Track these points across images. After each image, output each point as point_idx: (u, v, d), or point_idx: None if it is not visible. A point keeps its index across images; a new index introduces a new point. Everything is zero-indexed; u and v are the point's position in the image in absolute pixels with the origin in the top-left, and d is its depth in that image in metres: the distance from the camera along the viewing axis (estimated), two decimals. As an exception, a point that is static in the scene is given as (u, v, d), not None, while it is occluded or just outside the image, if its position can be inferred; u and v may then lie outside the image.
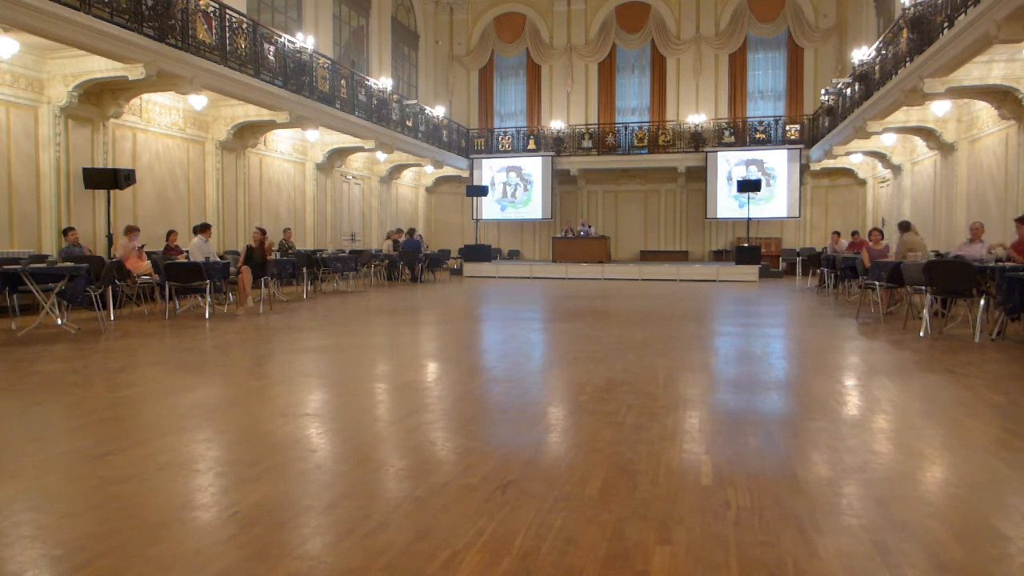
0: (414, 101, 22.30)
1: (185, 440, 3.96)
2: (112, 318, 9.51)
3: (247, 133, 15.59)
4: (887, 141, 17.77)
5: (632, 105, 26.22)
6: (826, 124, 20.58)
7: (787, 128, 23.76)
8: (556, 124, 25.41)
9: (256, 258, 11.15)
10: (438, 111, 23.65)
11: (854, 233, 16.45)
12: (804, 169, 23.40)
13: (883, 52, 14.68)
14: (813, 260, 17.51)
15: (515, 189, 25.82)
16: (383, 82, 19.91)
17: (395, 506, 2.96)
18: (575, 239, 22.40)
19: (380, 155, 21.08)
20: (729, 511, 2.89)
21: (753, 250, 19.88)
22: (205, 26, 12.41)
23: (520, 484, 3.20)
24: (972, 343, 7.52)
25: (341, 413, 4.76)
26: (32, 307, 9.12)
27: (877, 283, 9.86)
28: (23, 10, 8.86)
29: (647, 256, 25.18)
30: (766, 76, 25.10)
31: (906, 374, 6.01)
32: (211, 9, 12.54)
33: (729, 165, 23.81)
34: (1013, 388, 5.30)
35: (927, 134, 15.47)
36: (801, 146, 23.18)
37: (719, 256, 24.65)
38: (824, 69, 23.79)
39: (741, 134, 24.13)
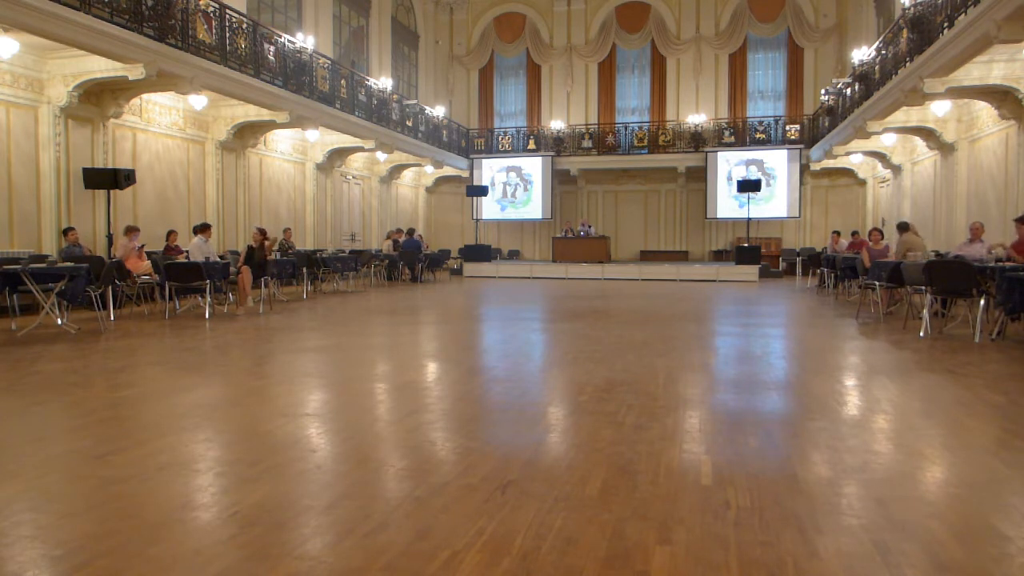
0: (414, 101, 22.30)
1: (185, 440, 3.96)
2: (112, 318, 9.51)
3: (247, 133, 15.59)
4: (887, 141, 17.77)
5: (632, 105, 26.22)
6: (826, 124, 20.58)
7: (787, 128, 23.76)
8: (556, 124, 25.41)
9: (256, 258, 11.15)
10: (438, 111, 23.65)
11: (854, 233, 16.45)
12: (804, 169, 23.40)
13: (883, 52, 14.68)
14: (813, 260, 17.51)
15: (515, 189, 25.82)
16: (383, 82, 19.91)
17: (395, 506, 2.96)
18: (575, 239, 22.40)
19: (380, 155, 21.08)
20: (729, 511, 2.89)
21: (753, 250, 19.88)
22: (205, 26, 12.41)
23: (520, 484, 3.20)
24: (972, 343, 7.52)
25: (341, 413, 4.76)
26: (32, 307, 9.12)
27: (877, 283, 9.86)
28: (23, 10, 8.86)
29: (647, 256, 25.18)
30: (766, 76, 25.09)
31: (906, 374, 6.01)
32: (211, 9, 12.54)
33: (729, 165, 23.81)
34: (1013, 388, 5.30)
35: (927, 134, 15.47)
36: (801, 146, 23.18)
37: (719, 256, 24.65)
38: (824, 69, 23.80)
39: (741, 134, 24.13)
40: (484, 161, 25.90)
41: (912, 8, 12.41)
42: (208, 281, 9.73)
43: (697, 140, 24.07)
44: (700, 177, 24.29)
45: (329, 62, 17.01)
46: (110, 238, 11.50)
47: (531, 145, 25.68)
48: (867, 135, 16.20)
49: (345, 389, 5.50)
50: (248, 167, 16.18)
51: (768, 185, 23.05)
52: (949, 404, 4.88)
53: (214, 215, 14.73)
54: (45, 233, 11.08)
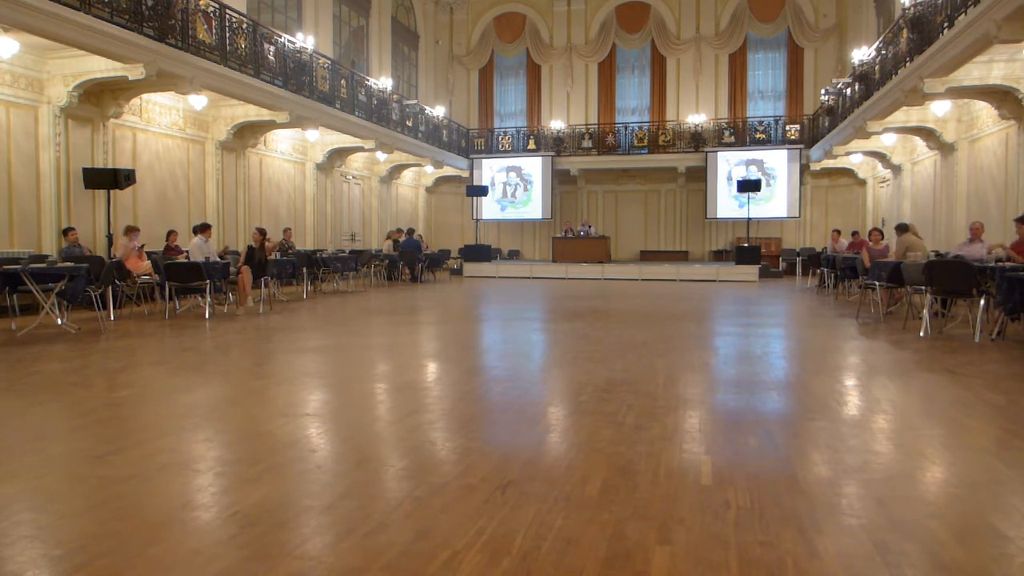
0: (414, 101, 22.31)
1: (185, 440, 3.96)
2: (112, 318, 9.51)
3: (247, 133, 15.59)
4: (887, 141, 17.77)
5: (632, 105, 26.22)
6: (826, 124, 20.58)
7: (787, 128, 23.76)
8: (556, 124, 25.41)
9: (256, 258, 11.15)
10: (438, 111, 23.65)
11: (854, 233, 16.45)
12: (804, 169, 23.40)
13: (883, 52, 14.68)
14: (813, 260, 17.51)
15: (515, 189, 25.82)
16: (383, 82, 19.91)
17: (395, 506, 2.96)
18: (575, 239, 22.40)
19: (380, 155, 21.08)
20: (729, 511, 2.88)
21: (753, 250, 19.88)
22: (205, 26, 12.41)
23: (520, 484, 3.20)
24: (972, 343, 7.52)
25: (341, 413, 4.76)
26: (32, 307, 9.11)
27: (877, 283, 9.86)
28: (23, 10, 8.86)
29: (647, 256, 25.18)
30: (766, 76, 25.09)
31: (906, 374, 6.01)
32: (211, 9, 12.54)
33: (729, 165, 23.81)
34: (1013, 388, 5.30)
35: (927, 134, 15.47)
36: (801, 146, 23.18)
37: (719, 256, 24.65)
38: (824, 69, 23.80)
39: (741, 134, 24.13)
40: (484, 161, 25.90)
41: (912, 8, 12.41)
42: (208, 281, 9.73)
43: (697, 140, 24.07)
44: (700, 177, 24.29)
45: (329, 62, 17.01)
46: (110, 238, 11.50)
47: (531, 145, 25.68)
48: (867, 135, 16.20)
49: (345, 389, 5.50)
50: (248, 167, 16.18)
51: (768, 185, 23.05)
52: (949, 404, 4.88)
53: (214, 215, 14.73)
54: (45, 233, 11.08)
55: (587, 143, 25.17)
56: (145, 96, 12.73)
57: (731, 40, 24.73)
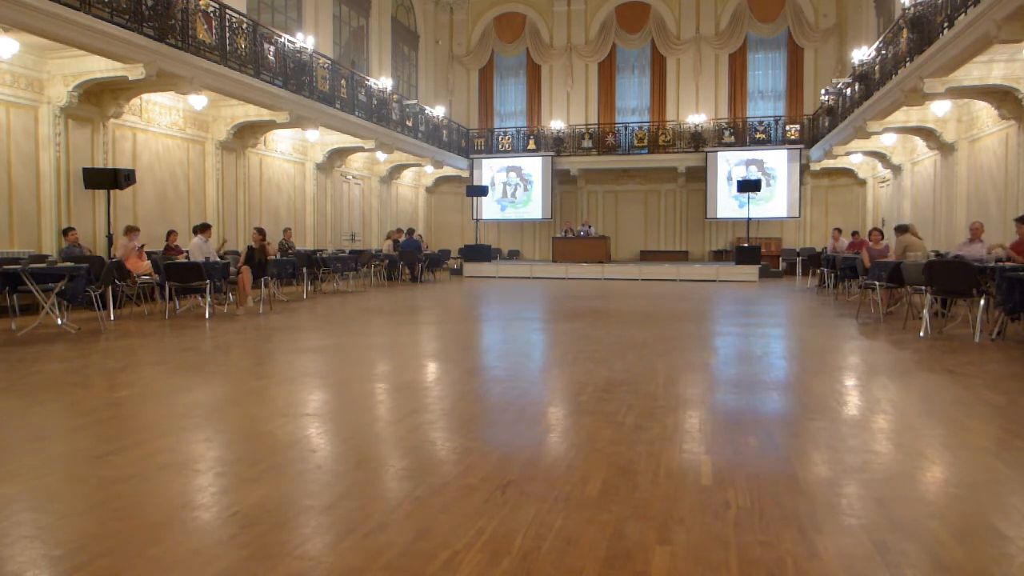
0: (414, 101, 22.31)
1: (185, 440, 3.96)
2: (112, 318, 9.51)
3: (247, 133, 15.59)
4: (887, 141, 17.77)
5: (632, 105, 26.22)
6: (826, 124, 20.58)
7: (787, 128, 23.76)
8: (556, 124, 25.41)
9: (256, 258, 11.15)
10: (438, 111, 23.64)
11: (854, 233, 16.44)
12: (804, 169, 23.40)
13: (883, 52, 14.68)
14: (813, 260, 17.51)
15: (515, 189, 25.82)
16: (383, 82, 19.91)
17: (395, 506, 2.96)
18: (575, 239, 22.40)
19: (380, 155, 21.08)
20: (729, 511, 2.88)
21: (753, 250, 19.88)
22: (205, 26, 12.41)
23: (520, 484, 3.20)
24: (972, 343, 7.52)
25: (341, 413, 4.76)
26: (32, 307, 9.11)
27: (877, 283, 9.86)
28: (23, 10, 8.86)
29: (647, 256, 25.18)
30: (766, 76, 25.09)
31: (906, 374, 6.01)
32: (211, 9, 12.54)
33: (729, 165, 23.81)
34: (1013, 388, 5.30)
35: (927, 134, 15.47)
36: (801, 146, 23.18)
37: (719, 256, 24.65)
38: (824, 69, 23.80)
39: (741, 134, 24.13)
40: (484, 161, 25.90)
41: (912, 8, 12.41)
42: (208, 281, 9.73)
43: (697, 140, 24.06)
44: (700, 177, 24.29)
45: (329, 62, 17.01)
46: (110, 238, 11.50)
47: (531, 145, 25.68)
48: (867, 135, 16.20)
49: (345, 389, 5.50)
50: (248, 167, 16.18)
51: (768, 185, 23.05)
52: (949, 404, 4.88)
53: (214, 215, 14.73)
54: (45, 233, 11.08)
55: (587, 143, 25.17)
56: (145, 96, 12.73)
57: (731, 40, 24.73)
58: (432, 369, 6.49)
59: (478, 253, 22.00)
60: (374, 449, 3.89)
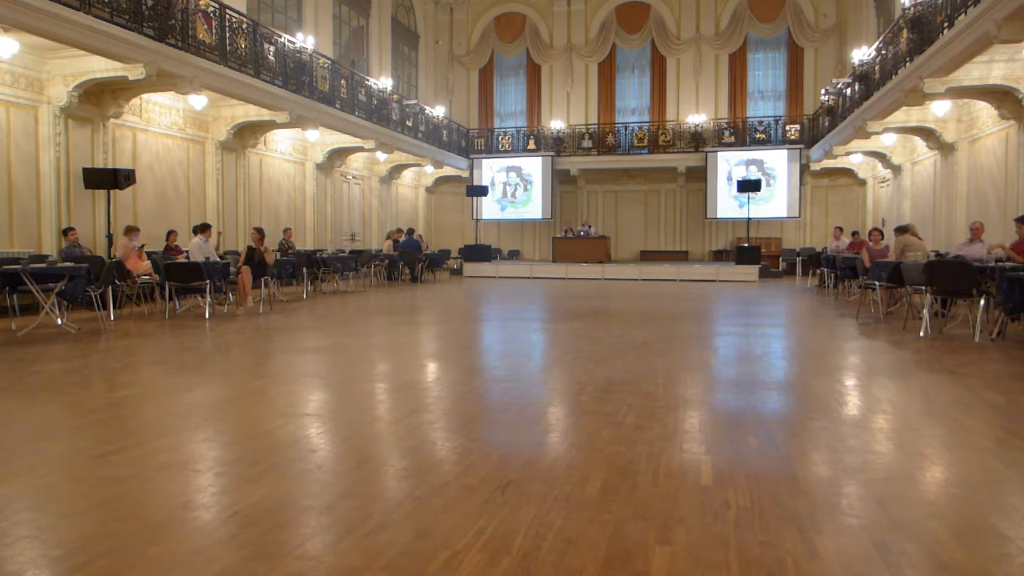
0: (414, 101, 22.31)
1: (185, 440, 3.96)
2: (112, 318, 9.51)
3: (247, 133, 15.59)
4: (887, 141, 17.77)
5: (632, 105, 26.22)
6: (826, 124, 20.58)
7: (787, 128, 23.76)
8: (556, 124, 25.41)
9: (256, 258, 11.15)
10: (438, 111, 23.64)
11: (854, 233, 16.44)
12: (804, 169, 23.40)
13: (883, 52, 14.68)
14: (813, 260, 17.51)
15: (515, 189, 25.82)
16: (383, 82, 19.91)
17: (395, 506, 2.96)
18: (575, 239, 22.40)
19: (380, 155, 21.08)
20: (729, 511, 2.88)
21: (753, 250, 19.88)
22: (205, 26, 12.41)
23: (520, 484, 3.20)
24: (972, 343, 7.52)
25: (341, 413, 4.76)
26: (32, 307, 9.11)
27: (877, 283, 9.86)
28: (23, 10, 8.86)
29: (647, 256, 25.18)
30: (766, 76, 25.09)
31: (906, 374, 6.01)
32: (211, 9, 12.54)
33: (729, 165, 23.81)
34: (1013, 388, 5.30)
35: (927, 134, 15.47)
36: (801, 146, 23.18)
37: (719, 256, 24.65)
38: (824, 69, 23.79)
39: (741, 134, 24.13)
40: (484, 161, 25.90)
41: (912, 8, 12.41)
42: (208, 281, 9.73)
43: (697, 140, 24.07)
44: (700, 177, 24.29)
45: (329, 62, 17.01)
46: (110, 238, 11.50)
47: (531, 145, 25.68)
48: (867, 135, 16.20)
49: (345, 389, 5.50)
50: (248, 167, 16.18)
51: (768, 185, 23.05)
52: (949, 404, 4.88)
53: (214, 215, 14.73)
54: (45, 233, 11.08)
55: (587, 143, 25.17)
56: (145, 96, 12.73)
57: (731, 40, 24.73)
58: (432, 369, 6.49)
59: (478, 253, 22.00)
60: (374, 449, 3.89)
